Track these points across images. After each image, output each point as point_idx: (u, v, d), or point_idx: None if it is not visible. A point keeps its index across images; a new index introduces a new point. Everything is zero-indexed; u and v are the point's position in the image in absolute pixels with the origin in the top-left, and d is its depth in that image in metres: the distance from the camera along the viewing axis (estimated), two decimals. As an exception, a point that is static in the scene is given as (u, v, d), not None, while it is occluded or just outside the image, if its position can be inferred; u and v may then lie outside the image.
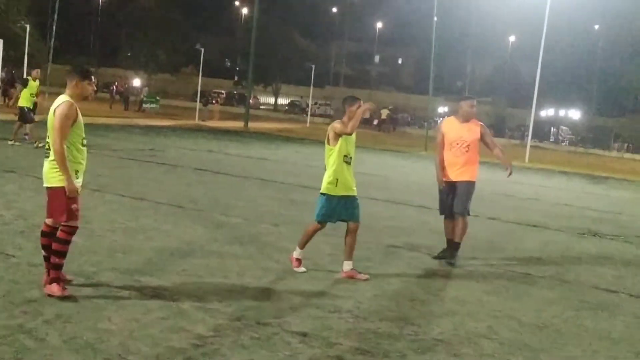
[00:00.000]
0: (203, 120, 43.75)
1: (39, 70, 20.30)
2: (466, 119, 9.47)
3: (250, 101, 52.11)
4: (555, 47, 63.08)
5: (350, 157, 7.93)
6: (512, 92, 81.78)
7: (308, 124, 55.96)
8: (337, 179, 7.83)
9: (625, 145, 67.10)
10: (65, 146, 6.06)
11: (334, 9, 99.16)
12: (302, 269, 7.93)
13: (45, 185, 6.27)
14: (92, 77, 6.49)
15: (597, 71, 79.86)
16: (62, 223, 6.22)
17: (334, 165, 7.86)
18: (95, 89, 6.98)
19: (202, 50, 44.41)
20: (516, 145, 53.42)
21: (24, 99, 18.80)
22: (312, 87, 57.63)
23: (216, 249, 8.66)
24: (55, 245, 6.20)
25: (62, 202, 6.14)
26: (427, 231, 11.40)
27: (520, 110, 71.07)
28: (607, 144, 65.67)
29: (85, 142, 6.35)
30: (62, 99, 6.21)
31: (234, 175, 16.49)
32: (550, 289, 8.34)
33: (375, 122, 59.63)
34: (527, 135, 40.78)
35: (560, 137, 70.93)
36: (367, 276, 7.85)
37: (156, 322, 5.69)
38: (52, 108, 6.18)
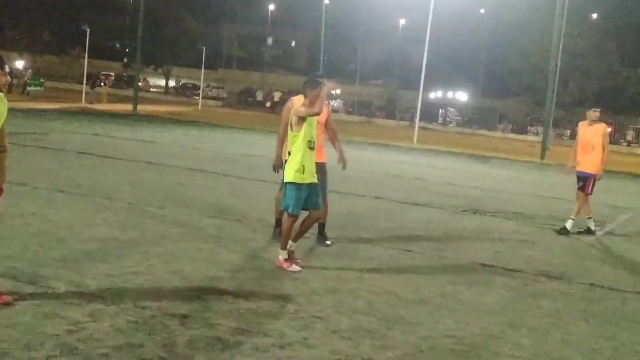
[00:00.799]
0: (90, 103, 42.59)
1: None
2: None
3: (140, 83, 51.06)
4: (443, 30, 64.56)
5: (313, 142, 7.74)
6: (403, 74, 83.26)
7: (200, 107, 55.36)
8: (304, 166, 7.60)
9: (510, 126, 69.55)
10: None
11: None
12: (297, 267, 7.61)
13: None
14: (6, 66, 5.64)
15: (483, 54, 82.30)
16: None
17: (299, 152, 7.60)
18: (10, 79, 5.93)
19: (88, 30, 43.12)
20: (406, 127, 54.51)
21: None
22: (203, 69, 56.99)
23: (96, 233, 8.47)
24: None
25: None
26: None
27: (411, 93, 72.37)
28: (492, 124, 67.84)
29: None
30: None
31: (120, 159, 16.15)
32: (430, 264, 8.59)
33: (268, 104, 59.61)
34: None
35: (448, 119, 72.80)
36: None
37: (29, 308, 5.53)
38: None
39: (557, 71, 35.82)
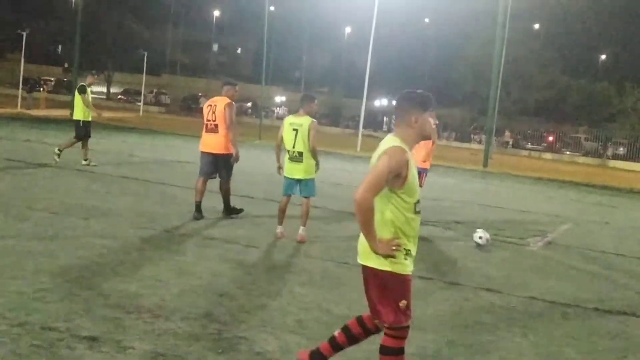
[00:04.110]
0: (28, 109, 41.40)
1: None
2: None
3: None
4: (388, 38, 64.79)
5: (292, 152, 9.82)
6: (348, 82, 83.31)
7: (141, 113, 54.36)
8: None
9: (454, 134, 70.02)
10: None
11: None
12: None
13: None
14: None
15: (427, 63, 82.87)
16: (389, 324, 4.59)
17: (316, 153, 9.85)
18: None
19: (25, 34, 41.93)
20: (351, 135, 54.37)
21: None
22: (144, 74, 56.02)
23: (12, 245, 7.92)
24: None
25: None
26: (247, 222, 11.08)
27: (356, 100, 72.31)
28: (437, 133, 68.16)
29: None
30: None
31: (49, 166, 15.46)
32: (366, 278, 8.22)
33: (212, 111, 58.89)
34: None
35: (393, 127, 72.95)
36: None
37: None
38: None
39: (500, 80, 36.00)
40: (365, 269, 4.63)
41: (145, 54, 53.92)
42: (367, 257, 4.57)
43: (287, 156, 9.94)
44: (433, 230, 12.39)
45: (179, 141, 29.23)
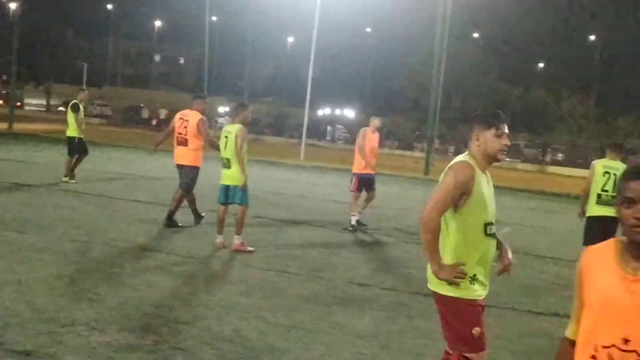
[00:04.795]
0: (-37, 122, 40.45)
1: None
2: None
3: (19, 103, 48.99)
4: (330, 48, 65.17)
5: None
6: (291, 91, 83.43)
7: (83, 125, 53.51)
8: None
9: (397, 142, 70.67)
10: None
11: (109, 6, 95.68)
12: (250, 248, 9.90)
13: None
14: None
15: (370, 72, 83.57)
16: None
17: (243, 160, 9.83)
18: None
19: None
20: (294, 144, 54.44)
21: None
22: (85, 86, 55.21)
23: (-57, 262, 7.77)
24: None
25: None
26: (186, 233, 11.06)
27: (300, 110, 72.50)
28: (379, 141, 68.74)
29: None
30: None
31: (-15, 180, 15.15)
32: (305, 286, 8.29)
33: (154, 122, 58.41)
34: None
35: (336, 136, 73.34)
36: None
37: None
38: None
39: (440, 88, 36.53)
40: (435, 295, 4.35)
41: (85, 65, 53.20)
42: (432, 282, 4.30)
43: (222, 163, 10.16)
44: (373, 238, 12.53)
45: (120, 153, 28.90)
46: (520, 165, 57.34)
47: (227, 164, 9.94)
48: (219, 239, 10.02)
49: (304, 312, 7.13)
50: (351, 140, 69.02)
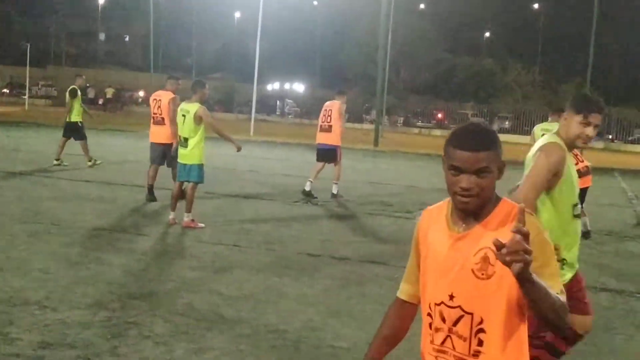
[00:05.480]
0: None
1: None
2: None
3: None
4: (277, 22, 64.90)
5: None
6: (240, 67, 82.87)
7: (27, 106, 52.64)
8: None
9: (347, 115, 70.80)
10: None
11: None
12: (201, 224, 9.94)
13: None
14: None
15: (318, 45, 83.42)
16: None
17: (201, 141, 9.93)
18: None
19: None
20: (244, 120, 54.26)
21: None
22: (28, 67, 54.17)
23: None
24: None
25: None
26: (137, 211, 11.08)
27: (249, 85, 72.16)
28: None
29: None
30: None
31: None
32: (256, 259, 8.41)
33: (101, 101, 57.60)
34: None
35: (286, 110, 73.23)
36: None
37: None
38: None
39: (387, 60, 36.74)
40: None
41: (29, 45, 52.10)
42: None
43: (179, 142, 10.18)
44: (324, 210, 12.69)
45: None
46: (469, 135, 58.03)
47: (184, 143, 9.95)
48: (172, 216, 10.08)
49: (255, 283, 7.26)
50: (301, 114, 69.10)
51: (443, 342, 2.42)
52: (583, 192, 11.42)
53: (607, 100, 55.34)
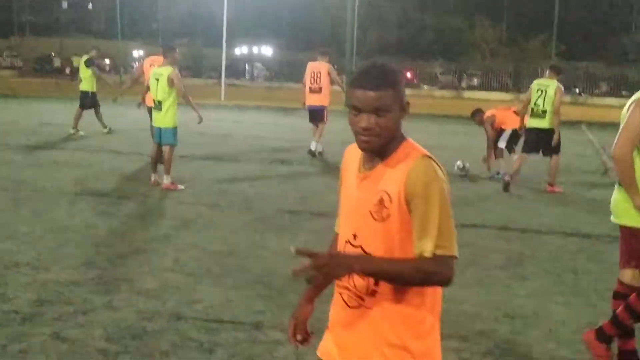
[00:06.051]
0: None
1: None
2: None
3: None
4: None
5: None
6: (207, 31, 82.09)
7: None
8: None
9: (343, 77, 70.66)
10: None
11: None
12: (181, 186, 10.11)
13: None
14: None
15: (286, 8, 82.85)
16: None
17: (174, 103, 10.14)
18: None
19: None
20: (213, 85, 54.06)
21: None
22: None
23: None
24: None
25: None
26: (116, 176, 11.23)
27: (217, 50, 71.67)
28: (299, 77, 68.77)
29: None
30: None
31: None
32: (237, 217, 8.64)
33: (68, 70, 57.02)
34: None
35: (255, 74, 72.98)
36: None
37: None
38: None
39: (355, 21, 36.76)
40: (623, 230, 4.38)
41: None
42: (623, 216, 4.35)
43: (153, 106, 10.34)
44: (300, 169, 12.93)
45: (36, 104, 28.33)
46: (438, 92, 58.30)
47: (158, 106, 10.15)
48: (153, 177, 10.27)
49: (238, 240, 7.50)
50: (270, 78, 68.87)
51: (346, 279, 2.44)
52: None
53: (573, 54, 55.98)
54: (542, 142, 11.17)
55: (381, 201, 2.29)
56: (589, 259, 7.34)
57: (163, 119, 10.18)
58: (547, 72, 11.66)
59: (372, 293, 2.39)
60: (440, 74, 65.80)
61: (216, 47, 72.14)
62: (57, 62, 63.41)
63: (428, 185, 2.27)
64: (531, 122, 11.22)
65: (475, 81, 61.75)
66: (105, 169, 11.86)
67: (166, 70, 10.06)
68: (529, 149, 11.34)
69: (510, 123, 12.16)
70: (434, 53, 68.68)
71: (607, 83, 57.93)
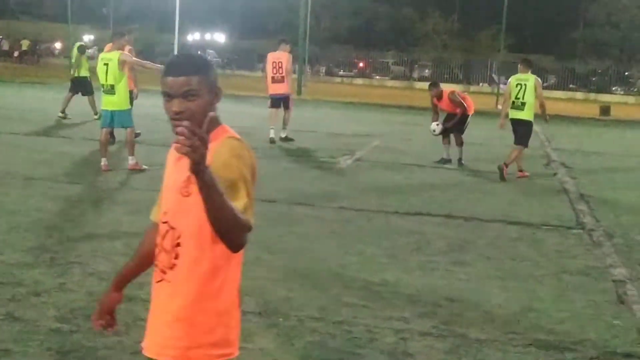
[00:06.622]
0: None
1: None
2: None
3: None
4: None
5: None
6: (160, 16, 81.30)
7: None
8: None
9: (295, 67, 70.54)
10: None
11: None
12: (146, 166, 10.36)
13: None
14: None
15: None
16: None
17: (126, 86, 10.49)
18: None
19: None
20: (166, 71, 53.67)
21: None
22: None
23: None
24: None
25: None
26: (67, 161, 11.25)
27: (170, 36, 71.02)
28: (252, 65, 68.63)
29: None
30: None
31: None
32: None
33: (16, 54, 56.08)
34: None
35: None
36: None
37: None
38: None
39: (309, 9, 36.91)
40: None
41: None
42: None
43: (102, 90, 10.43)
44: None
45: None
46: (390, 83, 58.79)
47: (110, 91, 10.32)
48: (103, 161, 10.36)
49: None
50: (223, 65, 68.59)
51: (157, 256, 2.61)
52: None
53: (521, 47, 56.79)
54: (517, 132, 12.18)
55: (189, 178, 2.35)
56: (528, 246, 7.67)
57: (118, 102, 10.34)
58: (520, 66, 12.56)
59: (172, 267, 2.53)
60: (392, 64, 66.30)
61: (169, 33, 71.60)
62: (5, 45, 62.18)
63: (227, 160, 2.49)
64: (511, 114, 12.20)
65: (426, 72, 62.37)
66: (55, 153, 11.87)
67: (115, 55, 10.32)
68: (514, 138, 12.38)
69: (473, 109, 13.33)
70: (387, 43, 69.16)
71: (555, 76, 59.04)
